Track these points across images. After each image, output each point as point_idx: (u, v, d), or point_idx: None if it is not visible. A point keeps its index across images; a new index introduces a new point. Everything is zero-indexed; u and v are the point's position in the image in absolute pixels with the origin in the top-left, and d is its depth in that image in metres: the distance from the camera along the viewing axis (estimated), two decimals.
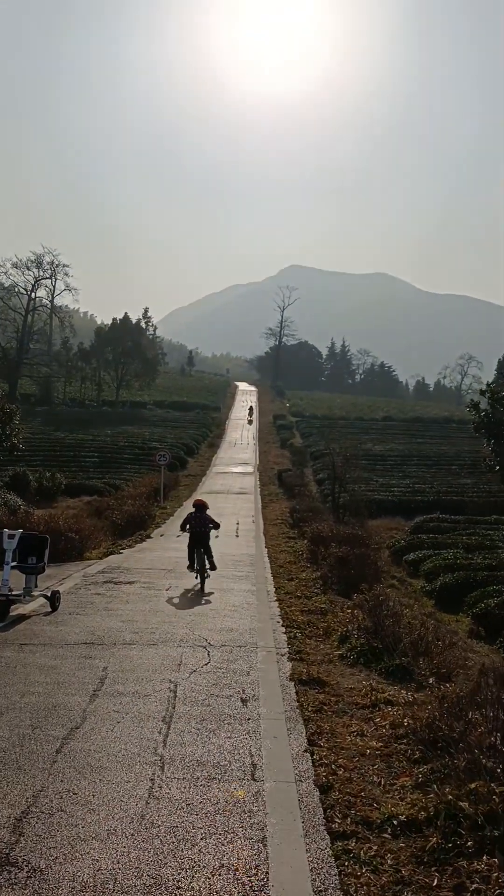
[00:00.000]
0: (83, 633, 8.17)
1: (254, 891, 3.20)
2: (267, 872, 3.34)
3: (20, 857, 3.40)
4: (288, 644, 8.15)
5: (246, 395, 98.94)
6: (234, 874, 3.31)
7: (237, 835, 3.70)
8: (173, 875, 3.28)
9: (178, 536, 21.04)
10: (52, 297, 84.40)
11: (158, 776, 4.39)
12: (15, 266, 73.91)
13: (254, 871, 3.34)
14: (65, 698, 5.80)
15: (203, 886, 3.20)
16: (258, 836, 3.70)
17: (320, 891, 3.25)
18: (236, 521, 24.99)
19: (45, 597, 9.55)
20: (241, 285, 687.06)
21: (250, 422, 72.69)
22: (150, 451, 43.58)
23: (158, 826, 3.75)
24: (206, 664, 7.06)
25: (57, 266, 79.02)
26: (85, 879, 3.22)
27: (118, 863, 3.37)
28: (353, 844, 3.64)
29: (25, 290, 75.09)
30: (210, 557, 12.31)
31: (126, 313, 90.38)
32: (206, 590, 11.55)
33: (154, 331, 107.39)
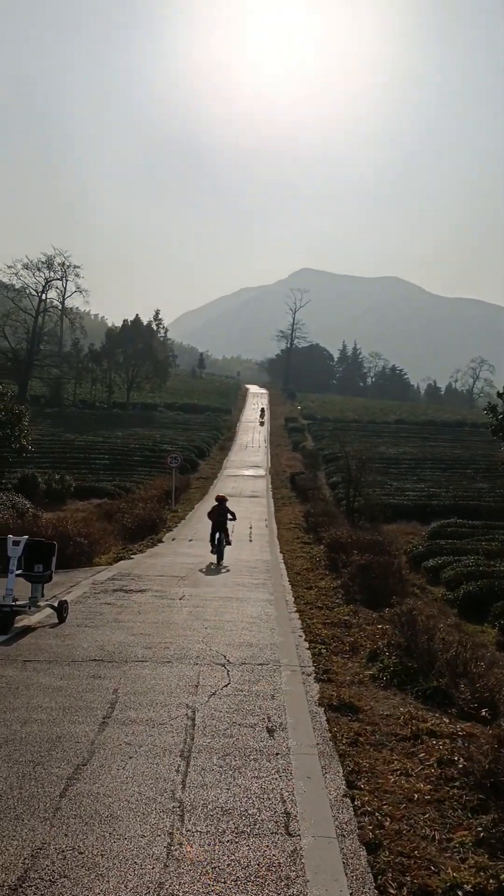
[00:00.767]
0: (92, 649, 7.56)
1: None
2: None
3: None
4: (313, 662, 7.50)
5: (257, 398, 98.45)
6: None
7: None
8: None
9: (191, 541, 20.51)
10: (63, 299, 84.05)
11: (178, 829, 3.75)
12: (26, 267, 73.87)
13: None
14: (71, 727, 5.18)
15: None
16: None
17: None
18: (249, 526, 24.30)
19: (52, 607, 8.95)
20: (251, 288, 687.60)
21: (262, 423, 72.15)
22: (161, 453, 43.07)
23: None
24: (225, 685, 6.42)
25: (68, 267, 78.86)
26: None
27: None
28: None
29: (36, 291, 74.97)
30: (227, 535, 16.61)
31: (137, 315, 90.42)
32: (223, 564, 15.52)
33: (165, 333, 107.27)
